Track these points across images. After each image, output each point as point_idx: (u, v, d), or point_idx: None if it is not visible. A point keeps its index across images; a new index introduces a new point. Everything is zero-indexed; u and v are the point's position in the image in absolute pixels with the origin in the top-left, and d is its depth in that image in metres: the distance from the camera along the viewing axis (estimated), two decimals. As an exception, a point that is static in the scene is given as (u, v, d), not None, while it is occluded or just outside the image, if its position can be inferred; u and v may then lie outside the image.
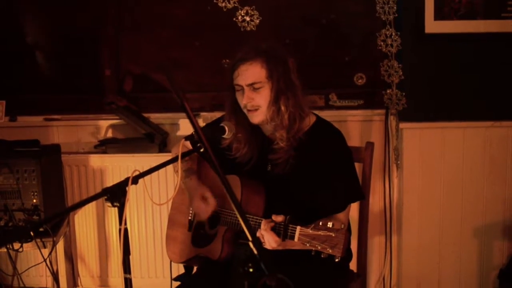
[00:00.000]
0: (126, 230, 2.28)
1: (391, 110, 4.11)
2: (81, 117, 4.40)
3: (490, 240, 4.21)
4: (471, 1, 3.94)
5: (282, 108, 2.88)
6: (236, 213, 2.17)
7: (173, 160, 2.57)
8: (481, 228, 4.20)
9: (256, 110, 2.90)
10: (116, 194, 2.28)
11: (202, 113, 4.26)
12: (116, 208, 2.28)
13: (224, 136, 2.83)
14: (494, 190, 4.15)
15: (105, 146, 4.25)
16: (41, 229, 3.60)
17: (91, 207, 4.28)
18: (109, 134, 4.39)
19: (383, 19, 3.98)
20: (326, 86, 4.31)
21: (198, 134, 2.32)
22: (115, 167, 4.22)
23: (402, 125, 4.10)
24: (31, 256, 4.18)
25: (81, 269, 4.35)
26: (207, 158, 2.35)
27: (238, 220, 2.79)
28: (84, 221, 4.33)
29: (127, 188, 2.27)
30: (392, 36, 3.98)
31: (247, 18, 4.19)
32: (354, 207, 3.13)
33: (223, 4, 4.18)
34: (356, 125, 4.24)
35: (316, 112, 3.12)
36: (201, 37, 4.36)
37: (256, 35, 4.17)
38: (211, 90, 4.32)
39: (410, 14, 3.99)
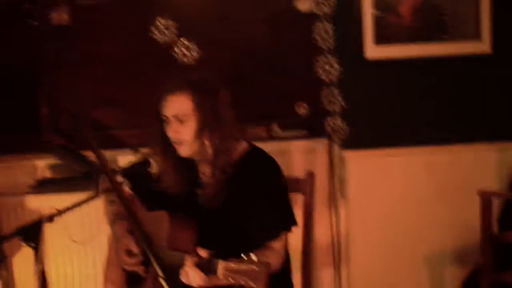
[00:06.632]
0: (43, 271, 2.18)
1: (334, 139, 4.04)
2: (17, 157, 4.27)
3: (441, 268, 4.13)
4: (411, 25, 3.92)
5: (206, 142, 2.79)
6: (146, 249, 2.05)
7: (91, 198, 2.45)
8: (431, 256, 4.12)
9: (182, 143, 2.81)
10: (30, 234, 2.18)
11: (142, 149, 4.14)
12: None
13: (150, 169, 2.74)
14: (441, 217, 4.07)
15: (41, 186, 4.11)
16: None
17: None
18: (48, 174, 4.25)
19: (321, 46, 3.92)
20: (268, 117, 4.21)
21: (102, 167, 2.24)
22: (53, 207, 4.07)
23: (345, 153, 4.03)
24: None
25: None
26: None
27: (165, 257, 2.71)
28: (24, 264, 4.16)
29: (42, 226, 2.17)
30: (331, 63, 3.92)
31: (185, 52, 4.10)
32: (298, 239, 3.05)
33: (160, 36, 4.09)
34: (300, 155, 4.14)
35: (260, 144, 3.01)
36: (136, 72, 4.25)
37: (195, 69, 4.07)
38: (150, 126, 4.21)
39: (349, 40, 3.94)
